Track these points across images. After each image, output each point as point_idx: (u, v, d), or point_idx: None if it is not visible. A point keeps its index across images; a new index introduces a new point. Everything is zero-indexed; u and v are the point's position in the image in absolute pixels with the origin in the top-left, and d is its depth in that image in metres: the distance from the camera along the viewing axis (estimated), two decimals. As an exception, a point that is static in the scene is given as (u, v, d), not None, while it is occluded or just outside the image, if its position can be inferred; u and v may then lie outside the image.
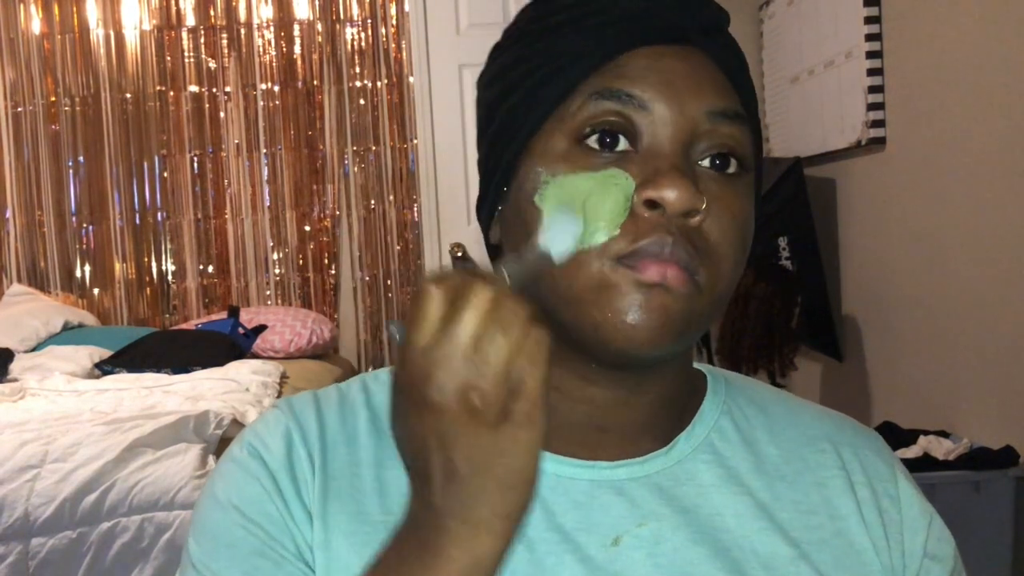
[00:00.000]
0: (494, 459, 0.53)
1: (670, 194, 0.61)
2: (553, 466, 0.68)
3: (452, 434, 0.52)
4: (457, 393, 0.52)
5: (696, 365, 0.76)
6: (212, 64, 4.58)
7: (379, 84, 4.57)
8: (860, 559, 0.69)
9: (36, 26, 4.55)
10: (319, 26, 4.55)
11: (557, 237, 0.60)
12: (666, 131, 0.63)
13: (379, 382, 0.74)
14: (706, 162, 0.65)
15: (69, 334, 4.01)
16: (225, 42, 4.57)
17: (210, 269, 4.64)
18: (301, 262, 4.64)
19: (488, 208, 0.71)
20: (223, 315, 4.13)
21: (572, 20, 0.66)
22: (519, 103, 0.66)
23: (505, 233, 0.69)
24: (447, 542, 0.53)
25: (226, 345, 3.77)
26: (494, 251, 0.73)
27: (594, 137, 0.63)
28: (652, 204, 0.61)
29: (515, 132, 0.66)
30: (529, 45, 0.67)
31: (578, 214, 0.61)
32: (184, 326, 4.27)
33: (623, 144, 0.63)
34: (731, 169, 0.65)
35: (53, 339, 3.94)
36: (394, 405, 0.56)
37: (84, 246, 4.61)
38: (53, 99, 4.56)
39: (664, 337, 0.62)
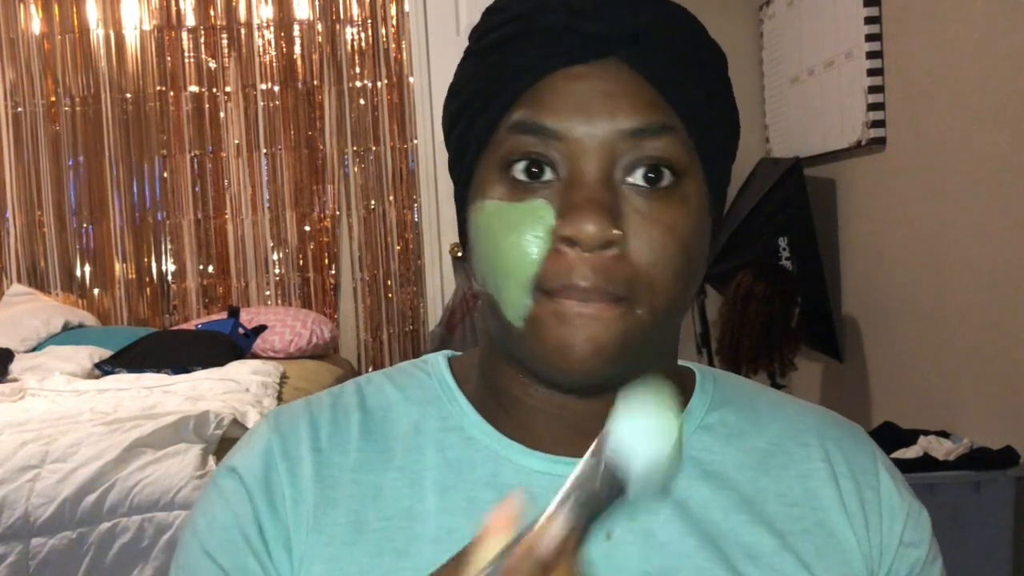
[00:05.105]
0: None
1: (582, 229, 0.61)
2: (542, 464, 0.69)
3: None
4: None
5: (686, 363, 0.77)
6: (212, 64, 4.58)
7: (379, 84, 4.57)
8: (841, 547, 0.71)
9: (36, 26, 4.55)
10: (319, 26, 4.55)
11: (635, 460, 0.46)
12: (583, 158, 0.63)
13: (372, 384, 0.75)
14: (639, 177, 0.64)
15: (69, 334, 4.01)
16: (225, 42, 4.58)
17: (210, 269, 4.64)
18: (301, 262, 4.64)
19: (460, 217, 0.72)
20: (223, 315, 4.13)
21: (504, 40, 0.66)
22: (466, 127, 0.68)
23: (463, 247, 0.71)
24: None
25: (226, 345, 3.77)
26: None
27: (520, 168, 0.64)
28: (569, 241, 0.62)
29: (463, 155, 0.69)
30: (473, 65, 0.69)
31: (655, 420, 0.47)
32: (184, 326, 4.28)
33: (548, 174, 0.64)
34: (664, 182, 0.64)
35: (53, 339, 3.94)
36: None
37: (84, 246, 4.61)
38: (53, 99, 4.56)
39: (597, 364, 0.63)
